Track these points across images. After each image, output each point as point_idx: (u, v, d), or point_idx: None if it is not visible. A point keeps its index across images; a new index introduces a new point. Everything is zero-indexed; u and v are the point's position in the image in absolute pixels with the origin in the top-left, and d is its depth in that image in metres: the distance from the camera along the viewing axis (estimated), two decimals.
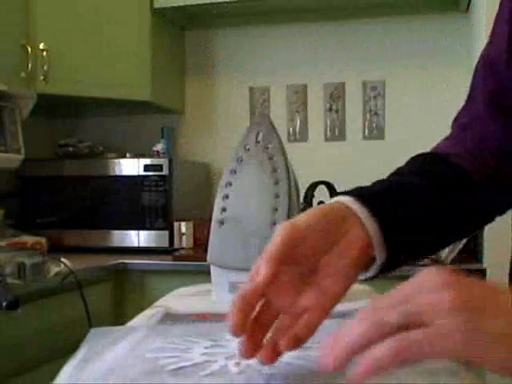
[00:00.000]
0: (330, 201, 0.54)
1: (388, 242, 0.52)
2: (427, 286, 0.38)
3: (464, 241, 1.72)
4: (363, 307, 0.41)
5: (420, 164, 0.65)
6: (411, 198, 0.58)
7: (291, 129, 2.39)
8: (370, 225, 0.51)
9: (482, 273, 1.62)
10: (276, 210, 0.76)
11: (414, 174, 0.63)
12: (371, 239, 0.51)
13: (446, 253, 1.73)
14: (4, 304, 1.24)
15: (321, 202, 2.05)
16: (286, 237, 0.47)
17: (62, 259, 1.60)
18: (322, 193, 2.07)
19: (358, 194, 0.54)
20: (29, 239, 1.84)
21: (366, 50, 2.31)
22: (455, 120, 0.71)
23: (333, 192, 2.09)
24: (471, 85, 0.70)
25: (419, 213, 0.58)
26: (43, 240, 1.88)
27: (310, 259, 0.48)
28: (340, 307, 0.72)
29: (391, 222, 0.53)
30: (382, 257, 0.53)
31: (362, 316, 0.40)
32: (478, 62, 0.69)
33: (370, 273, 0.55)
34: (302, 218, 0.49)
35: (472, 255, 1.81)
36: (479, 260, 1.74)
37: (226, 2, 2.16)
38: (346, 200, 0.52)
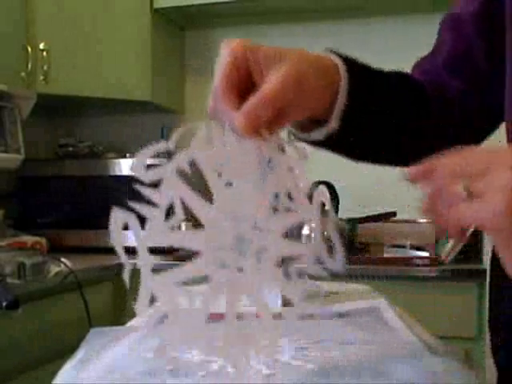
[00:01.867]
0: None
1: (349, 108, 0.55)
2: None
3: (464, 241, 1.72)
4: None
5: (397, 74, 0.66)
6: (384, 87, 0.62)
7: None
8: (344, 87, 0.54)
9: (481, 273, 1.63)
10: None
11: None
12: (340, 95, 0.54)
13: (445, 252, 1.73)
14: (4, 304, 1.24)
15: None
16: (291, 79, 0.48)
17: (62, 259, 1.60)
18: (322, 193, 2.07)
19: (345, 58, 0.57)
20: (29, 239, 1.84)
21: (366, 49, 2.30)
22: (416, 66, 0.71)
23: (333, 192, 2.09)
24: (437, 37, 0.71)
25: (385, 102, 0.61)
26: (43, 240, 1.88)
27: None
28: (340, 307, 0.72)
29: (361, 95, 0.56)
30: (337, 118, 0.55)
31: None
32: (450, 16, 0.71)
33: (317, 134, 0.57)
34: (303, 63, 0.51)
35: (472, 255, 1.81)
36: (479, 260, 1.74)
37: (226, 2, 2.16)
38: (336, 59, 0.56)
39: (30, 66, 1.93)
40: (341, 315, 0.68)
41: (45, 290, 1.54)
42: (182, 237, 0.44)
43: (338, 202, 2.09)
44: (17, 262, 1.46)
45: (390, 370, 0.45)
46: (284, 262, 0.47)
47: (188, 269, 0.43)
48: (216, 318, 0.46)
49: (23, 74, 1.92)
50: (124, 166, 2.05)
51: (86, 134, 2.47)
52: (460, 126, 0.68)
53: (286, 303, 0.75)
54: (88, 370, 0.48)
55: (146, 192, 0.43)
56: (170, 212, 0.44)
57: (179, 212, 0.43)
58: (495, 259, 0.72)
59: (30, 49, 1.94)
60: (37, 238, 1.86)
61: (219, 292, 0.44)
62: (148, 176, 0.43)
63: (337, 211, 2.07)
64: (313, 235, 0.48)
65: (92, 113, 2.52)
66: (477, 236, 1.78)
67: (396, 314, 0.67)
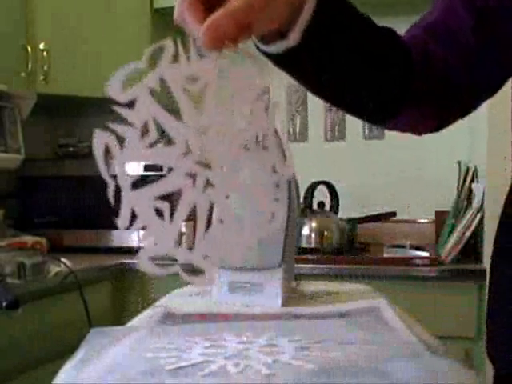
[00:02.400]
0: None
1: (313, 27, 0.54)
2: None
3: (464, 241, 1.72)
4: None
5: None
6: (356, 20, 0.61)
7: (291, 129, 2.39)
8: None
9: (482, 273, 1.63)
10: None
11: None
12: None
13: (446, 253, 1.73)
14: (4, 304, 1.25)
15: (321, 202, 2.06)
16: None
17: (62, 259, 1.60)
18: (322, 193, 2.07)
19: None
20: (29, 239, 1.84)
21: None
22: (406, 31, 0.71)
23: (333, 192, 2.10)
24: (432, 5, 0.70)
25: (355, 36, 0.60)
26: (43, 240, 1.88)
27: None
28: (340, 307, 0.72)
29: (327, 17, 0.56)
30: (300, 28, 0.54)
31: None
32: None
33: (276, 47, 0.56)
34: None
35: (472, 255, 1.81)
36: (479, 260, 1.74)
37: None
38: None
39: (30, 65, 1.93)
40: (341, 315, 0.68)
41: (45, 289, 1.54)
42: (156, 153, 0.45)
43: (337, 202, 2.09)
44: (17, 262, 1.46)
45: (390, 369, 0.45)
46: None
47: (163, 183, 0.46)
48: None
49: (23, 74, 1.92)
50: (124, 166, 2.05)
51: (86, 134, 2.46)
52: (442, 94, 0.67)
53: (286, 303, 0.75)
54: (88, 370, 0.48)
55: (123, 112, 0.44)
56: (145, 131, 0.45)
57: (153, 130, 0.45)
58: (497, 256, 0.71)
59: (29, 49, 1.94)
60: (37, 238, 1.86)
61: (190, 204, 0.46)
62: (123, 97, 0.45)
63: (337, 211, 2.07)
64: (267, 144, 0.50)
65: (92, 113, 2.51)
66: (477, 236, 1.79)
67: (396, 314, 0.67)
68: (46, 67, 1.97)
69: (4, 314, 1.27)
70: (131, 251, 2.00)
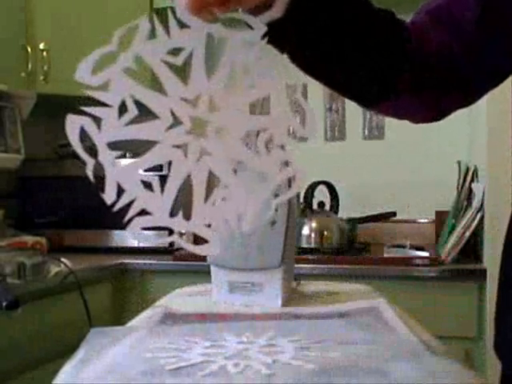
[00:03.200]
0: None
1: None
2: None
3: (464, 241, 1.72)
4: None
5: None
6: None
7: (291, 129, 2.38)
8: None
9: (482, 273, 1.63)
10: (276, 210, 0.76)
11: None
12: None
13: (446, 253, 1.73)
14: (4, 304, 1.24)
15: (321, 202, 2.06)
16: None
17: (62, 259, 1.60)
18: (322, 193, 2.07)
19: None
20: (29, 239, 1.84)
21: None
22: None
23: (333, 192, 2.10)
24: None
25: (342, 13, 0.59)
26: (43, 240, 1.88)
27: None
28: (340, 307, 0.72)
29: None
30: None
31: None
32: None
33: (262, 18, 0.55)
34: None
35: (472, 255, 1.81)
36: (479, 260, 1.74)
37: None
38: None
39: (30, 65, 1.93)
40: (341, 315, 0.68)
41: (45, 290, 1.54)
42: (139, 129, 0.45)
43: (337, 202, 2.09)
44: (17, 262, 1.46)
45: (390, 369, 0.45)
46: (250, 136, 0.49)
47: (149, 157, 0.45)
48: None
49: (23, 74, 1.92)
50: None
51: (86, 134, 2.46)
52: (443, 81, 0.67)
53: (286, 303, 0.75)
54: (88, 370, 0.48)
55: (95, 95, 0.45)
56: (122, 110, 0.46)
57: (132, 107, 0.45)
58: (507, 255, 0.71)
59: (29, 49, 1.94)
60: (37, 238, 1.86)
61: (183, 176, 0.45)
62: (95, 79, 0.45)
63: (337, 211, 2.07)
64: (277, 107, 0.49)
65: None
66: (477, 236, 1.78)
67: (396, 314, 0.67)
68: (45, 67, 1.97)
69: (4, 314, 1.27)
70: (131, 251, 2.01)
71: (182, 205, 0.49)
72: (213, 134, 0.47)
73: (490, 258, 1.61)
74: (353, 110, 2.33)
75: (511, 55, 0.65)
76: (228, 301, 0.78)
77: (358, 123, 2.32)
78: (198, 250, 0.46)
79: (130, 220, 0.46)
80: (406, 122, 0.74)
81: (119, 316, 1.84)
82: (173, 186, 0.46)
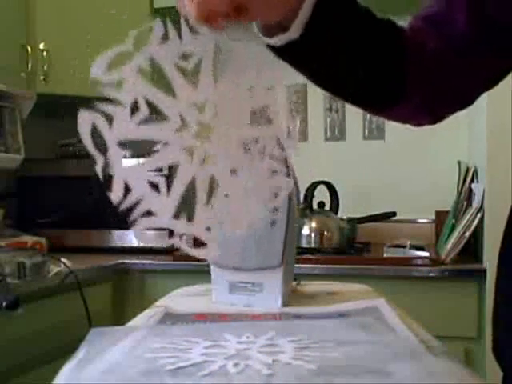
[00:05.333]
0: None
1: (314, 21, 0.55)
2: None
3: (464, 241, 1.72)
4: None
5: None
6: (357, 12, 0.62)
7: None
8: None
9: (482, 273, 1.63)
10: (276, 210, 0.76)
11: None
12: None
13: (446, 253, 1.73)
14: (4, 304, 1.24)
15: (321, 202, 2.06)
16: None
17: (62, 259, 1.60)
18: (322, 193, 2.07)
19: None
20: (29, 239, 1.84)
21: None
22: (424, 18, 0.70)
23: (333, 192, 2.10)
24: None
25: (354, 29, 0.61)
26: (43, 240, 1.88)
27: None
28: (340, 307, 0.72)
29: (329, 10, 0.57)
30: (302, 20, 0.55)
31: None
32: None
33: (277, 39, 0.57)
34: None
35: (472, 255, 1.81)
36: (479, 260, 1.74)
37: None
38: None
39: (30, 65, 1.93)
40: (341, 315, 0.68)
41: (45, 290, 1.54)
42: (149, 129, 0.46)
43: (337, 202, 2.09)
44: (17, 262, 1.46)
45: (389, 369, 0.45)
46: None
47: (158, 157, 0.46)
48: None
49: (23, 74, 1.92)
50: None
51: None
52: (437, 85, 0.67)
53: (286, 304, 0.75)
54: (88, 369, 0.48)
55: (110, 93, 0.45)
56: (134, 109, 0.46)
57: (144, 108, 0.45)
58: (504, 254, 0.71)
59: (29, 49, 1.94)
60: (37, 238, 1.86)
61: (188, 179, 0.46)
62: (109, 77, 0.45)
63: (337, 211, 2.07)
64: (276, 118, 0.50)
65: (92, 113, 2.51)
66: (477, 236, 1.78)
67: (396, 314, 0.67)
68: (45, 67, 1.97)
69: (4, 314, 1.27)
70: (131, 251, 2.01)
71: (187, 207, 0.49)
72: (216, 139, 0.47)
73: (489, 258, 1.61)
74: (353, 110, 2.32)
75: (504, 56, 0.66)
76: (228, 301, 0.78)
77: (358, 123, 2.32)
78: (197, 252, 0.47)
79: (134, 220, 0.46)
80: None
81: (119, 316, 1.84)
82: (178, 188, 0.46)
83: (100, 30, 2.10)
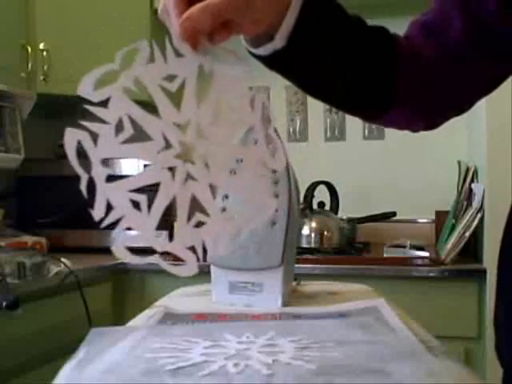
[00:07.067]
0: None
1: (298, 30, 0.55)
2: None
3: (464, 241, 1.72)
4: None
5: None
6: (342, 21, 0.61)
7: (291, 129, 2.39)
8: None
9: (482, 273, 1.63)
10: (276, 210, 0.76)
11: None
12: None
13: (446, 253, 1.73)
14: (4, 304, 1.25)
15: (321, 202, 2.06)
16: None
17: (62, 259, 1.60)
18: (322, 193, 2.07)
19: None
20: (29, 239, 1.84)
21: None
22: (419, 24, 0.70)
23: (333, 192, 2.10)
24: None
25: (340, 37, 0.61)
26: (43, 240, 1.88)
27: None
28: (340, 307, 0.72)
29: (312, 20, 0.57)
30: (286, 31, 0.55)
31: None
32: None
33: (262, 50, 0.57)
34: None
35: (472, 255, 1.81)
36: (479, 260, 1.74)
37: None
38: None
39: (29, 65, 1.93)
40: (341, 315, 0.68)
41: (45, 290, 1.54)
42: (133, 148, 0.46)
43: (337, 202, 2.09)
44: (17, 262, 1.46)
45: (389, 369, 0.45)
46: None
47: (141, 177, 0.46)
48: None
49: (23, 74, 1.92)
50: (124, 166, 2.05)
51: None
52: (433, 93, 0.68)
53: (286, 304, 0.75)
54: (88, 369, 0.48)
55: (95, 111, 0.45)
56: (119, 128, 0.46)
57: (128, 127, 0.46)
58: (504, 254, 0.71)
59: (29, 49, 1.94)
60: (37, 238, 1.86)
61: (169, 198, 0.47)
62: (96, 96, 0.46)
63: (337, 211, 2.07)
64: (257, 138, 0.51)
65: (92, 113, 2.51)
66: (477, 236, 1.78)
67: (396, 314, 0.67)
68: (45, 67, 1.97)
69: (4, 314, 1.27)
70: (131, 251, 2.00)
71: (167, 226, 0.50)
72: (199, 160, 0.48)
73: (489, 258, 1.61)
74: None
75: (500, 63, 0.66)
76: (228, 301, 0.78)
77: (358, 123, 2.32)
78: (175, 270, 0.48)
79: (115, 237, 0.47)
80: None
81: (119, 316, 1.84)
82: (159, 206, 0.47)
83: (100, 30, 2.10)
